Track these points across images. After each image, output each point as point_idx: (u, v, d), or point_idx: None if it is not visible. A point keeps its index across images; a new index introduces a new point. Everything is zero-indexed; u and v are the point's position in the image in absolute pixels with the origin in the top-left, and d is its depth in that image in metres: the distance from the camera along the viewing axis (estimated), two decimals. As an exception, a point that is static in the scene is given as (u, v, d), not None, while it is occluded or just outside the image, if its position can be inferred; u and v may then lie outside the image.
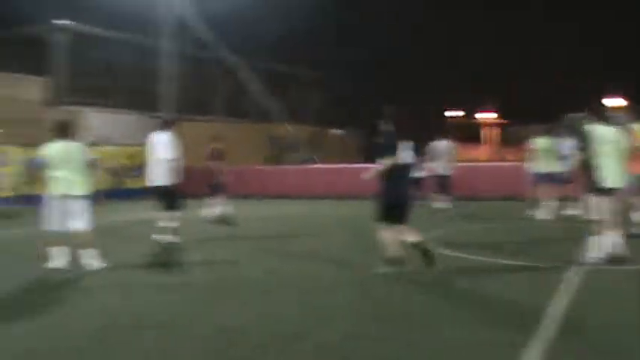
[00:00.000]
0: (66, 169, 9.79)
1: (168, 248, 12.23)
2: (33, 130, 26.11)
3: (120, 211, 21.16)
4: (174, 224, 12.63)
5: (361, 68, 49.28)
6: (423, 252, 9.14)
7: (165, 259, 11.44)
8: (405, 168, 9.12)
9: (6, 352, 5.99)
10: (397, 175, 9.01)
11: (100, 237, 13.93)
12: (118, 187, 27.62)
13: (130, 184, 28.76)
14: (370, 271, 9.29)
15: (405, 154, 9.03)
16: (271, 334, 6.41)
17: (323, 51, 43.25)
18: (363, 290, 8.40)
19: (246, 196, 23.69)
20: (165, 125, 13.15)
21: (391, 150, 8.98)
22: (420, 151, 9.88)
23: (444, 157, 18.13)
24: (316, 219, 18.05)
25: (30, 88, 26.67)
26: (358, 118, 45.96)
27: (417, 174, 17.19)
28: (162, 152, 12.54)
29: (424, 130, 18.52)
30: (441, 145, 18.40)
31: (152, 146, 12.73)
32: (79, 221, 9.96)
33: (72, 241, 10.03)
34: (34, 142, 25.31)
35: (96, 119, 29.15)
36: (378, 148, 9.32)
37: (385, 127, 9.30)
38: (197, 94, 36.41)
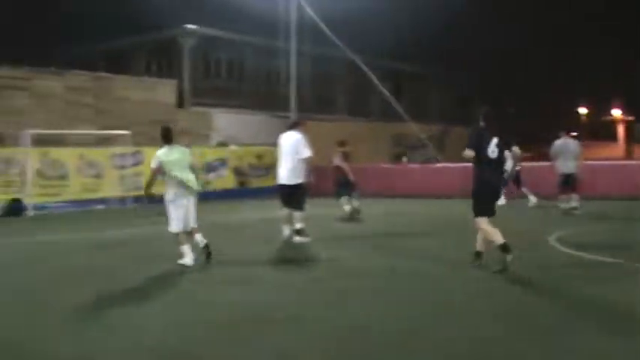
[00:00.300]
0: (177, 171, 10.24)
1: (296, 246, 12.44)
2: (166, 131, 27.21)
3: (247, 209, 21.65)
4: (301, 223, 12.87)
5: (487, 66, 48.55)
6: (500, 245, 9.31)
7: (292, 256, 11.58)
8: (490, 162, 9.51)
9: (141, 345, 6.11)
10: (484, 170, 9.51)
11: (228, 234, 14.71)
12: (245, 187, 28.31)
13: (257, 183, 29.46)
14: (490, 270, 9.19)
15: (491, 149, 9.45)
16: (393, 331, 6.38)
17: (447, 49, 42.92)
18: (482, 289, 8.32)
19: (370, 195, 23.90)
20: (293, 125, 13.28)
21: (471, 145, 9.54)
22: (509, 146, 9.72)
23: (569, 155, 17.71)
24: (438, 218, 17.88)
25: (163, 91, 27.71)
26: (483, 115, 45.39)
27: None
28: (293, 152, 12.73)
29: (552, 129, 18.29)
30: (567, 143, 17.99)
31: (283, 146, 12.87)
32: (193, 219, 10.47)
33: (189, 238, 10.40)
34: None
35: (223, 120, 30.04)
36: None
37: (480, 124, 9.84)
38: (321, 94, 36.89)
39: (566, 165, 17.48)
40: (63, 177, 22.61)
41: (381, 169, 27.77)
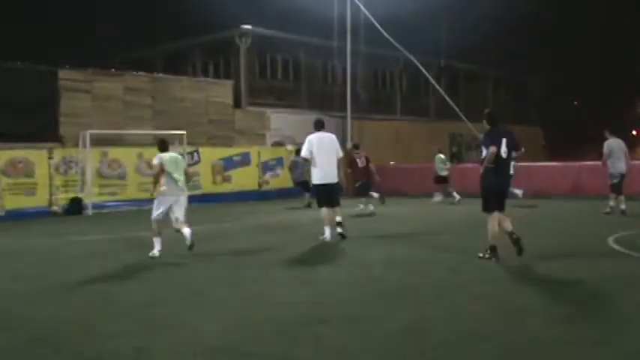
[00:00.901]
0: (174, 172, 11.61)
1: (352, 245, 12.41)
2: (224, 131, 27.54)
3: (302, 209, 21.72)
4: (339, 218, 13.18)
5: (547, 64, 47.85)
6: (515, 241, 10.05)
7: (350, 255, 11.43)
8: (501, 161, 10.09)
9: (201, 344, 6.09)
10: (495, 168, 10.06)
11: (286, 234, 14.95)
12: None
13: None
14: (559, 271, 9.11)
15: (502, 149, 10.04)
16: (455, 332, 6.22)
17: (504, 47, 42.39)
18: (552, 290, 8.12)
19: (426, 194, 23.92)
20: (322, 125, 13.42)
21: (489, 143, 10.07)
22: (519, 147, 10.95)
23: (622, 154, 17.29)
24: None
25: (220, 91, 27.97)
26: (544, 115, 44.81)
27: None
28: (334, 151, 13.05)
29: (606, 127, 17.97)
30: (619, 142, 17.55)
31: (324, 146, 12.99)
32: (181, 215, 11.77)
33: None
34: (225, 143, 27.04)
35: (279, 120, 30.19)
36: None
37: (489, 127, 10.44)
38: (377, 93, 36.80)
39: (620, 165, 17.14)
40: (121, 176, 23.04)
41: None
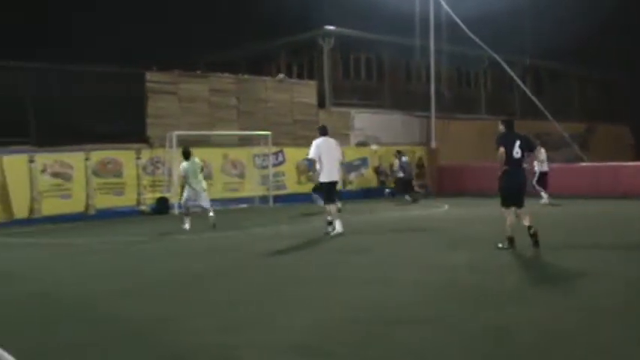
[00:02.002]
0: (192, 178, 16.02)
1: (428, 245, 12.07)
2: (308, 131, 27.15)
3: (387, 209, 21.25)
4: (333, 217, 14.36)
5: (636, 62, 45.85)
6: (532, 235, 11.04)
7: (426, 255, 11.25)
8: (514, 161, 11.11)
9: (281, 342, 6.01)
10: (510, 167, 11.09)
11: (370, 233, 14.70)
12: (387, 185, 27.93)
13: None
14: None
15: (515, 150, 11.07)
16: (541, 334, 5.97)
17: (592, 45, 40.79)
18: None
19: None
20: (327, 131, 15.03)
21: (502, 145, 11.12)
22: (533, 148, 11.84)
23: None
24: (581, 219, 17.03)
25: (304, 92, 27.63)
26: (633, 113, 42.97)
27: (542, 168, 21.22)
28: (338, 156, 14.72)
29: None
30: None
31: (330, 150, 14.53)
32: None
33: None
34: (309, 143, 26.62)
35: (363, 119, 29.66)
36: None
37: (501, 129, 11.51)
38: (460, 92, 35.89)
39: None
40: (207, 177, 22.87)
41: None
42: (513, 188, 11.27)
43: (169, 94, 23.45)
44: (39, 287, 9.22)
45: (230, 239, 14.54)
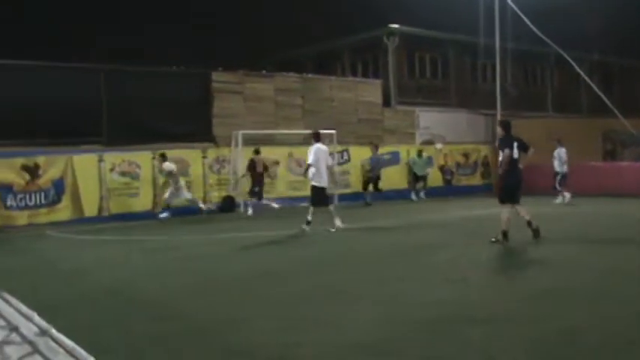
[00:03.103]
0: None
1: (504, 245, 11.82)
2: (373, 130, 26.60)
3: (453, 208, 20.60)
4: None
5: None
6: (532, 229, 12.01)
7: (497, 255, 11.16)
8: (514, 162, 11.92)
9: (346, 340, 5.95)
10: (510, 168, 11.87)
11: (436, 232, 14.48)
12: (452, 185, 27.22)
13: (464, 181, 28.30)
14: None
15: (515, 151, 11.84)
16: (609, 337, 5.79)
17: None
18: None
19: (579, 194, 21.97)
20: (320, 137, 15.38)
21: (504, 147, 11.84)
22: (527, 149, 12.25)
23: None
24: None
25: (369, 90, 27.04)
26: None
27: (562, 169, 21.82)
28: (326, 160, 15.07)
29: None
30: None
31: (325, 155, 15.00)
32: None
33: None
34: (374, 142, 26.08)
35: (428, 118, 28.92)
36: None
37: (501, 132, 12.20)
38: (527, 90, 34.68)
39: None
40: (272, 175, 22.61)
41: (590, 168, 25.36)
42: (514, 186, 12.05)
43: (235, 93, 23.20)
44: (109, 284, 9.27)
45: (294, 238, 14.30)
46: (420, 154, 25.60)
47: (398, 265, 10.26)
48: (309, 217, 14.69)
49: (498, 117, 29.05)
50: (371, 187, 23.63)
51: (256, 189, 20.23)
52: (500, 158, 12.02)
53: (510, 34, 28.66)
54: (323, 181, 14.92)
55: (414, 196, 24.69)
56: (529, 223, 12.09)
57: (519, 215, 12.01)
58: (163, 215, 18.82)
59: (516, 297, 7.61)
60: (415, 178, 25.30)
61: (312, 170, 14.82)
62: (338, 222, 14.96)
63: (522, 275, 9.10)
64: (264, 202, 20.52)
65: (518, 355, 5.37)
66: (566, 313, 6.71)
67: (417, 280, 8.82)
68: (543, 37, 26.94)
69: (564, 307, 6.99)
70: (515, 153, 11.89)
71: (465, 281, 8.67)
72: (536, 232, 12.05)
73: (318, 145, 14.99)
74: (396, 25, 28.64)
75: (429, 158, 26.45)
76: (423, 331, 6.21)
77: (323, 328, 6.43)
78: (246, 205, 20.59)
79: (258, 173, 20.24)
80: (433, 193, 25.44)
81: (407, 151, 26.50)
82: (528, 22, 26.61)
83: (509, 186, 12.00)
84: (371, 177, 23.67)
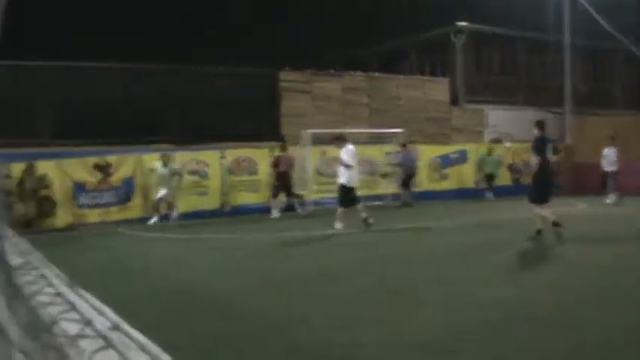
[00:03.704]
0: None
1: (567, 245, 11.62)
2: (440, 129, 25.88)
3: (521, 207, 19.71)
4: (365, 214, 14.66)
5: None
6: (555, 228, 11.74)
7: (561, 255, 10.88)
8: (548, 162, 12.09)
9: (409, 340, 5.80)
10: (545, 168, 11.91)
11: (498, 231, 14.16)
12: (520, 183, 26.23)
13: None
14: None
15: (548, 152, 12.06)
16: None
17: None
18: None
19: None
20: (344, 139, 15.28)
21: (538, 152, 11.89)
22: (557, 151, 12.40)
23: None
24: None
25: (436, 89, 26.31)
26: None
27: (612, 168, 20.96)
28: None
29: None
30: None
31: (355, 156, 15.00)
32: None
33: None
34: (442, 140, 25.39)
35: (496, 116, 27.99)
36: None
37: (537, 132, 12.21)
38: (597, 87, 33.32)
39: None
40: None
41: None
42: (548, 186, 12.21)
43: (303, 92, 22.89)
44: (176, 282, 9.25)
45: (359, 236, 13.99)
46: (490, 152, 24.69)
47: (458, 264, 10.04)
48: (338, 223, 14.76)
49: (567, 114, 28.02)
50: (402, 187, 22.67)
51: (280, 186, 19.71)
52: (535, 160, 11.96)
53: (579, 30, 27.60)
54: (353, 182, 14.89)
55: (488, 195, 23.73)
56: (554, 224, 11.88)
57: (541, 215, 12.07)
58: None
59: (576, 297, 7.43)
60: (487, 177, 24.38)
61: (344, 170, 14.73)
62: (367, 219, 14.71)
63: (593, 275, 8.86)
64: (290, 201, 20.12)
65: (581, 357, 5.26)
66: (627, 315, 6.49)
67: (478, 280, 8.60)
68: (613, 32, 25.85)
69: (625, 308, 6.81)
70: (549, 153, 12.09)
71: (525, 281, 8.52)
72: (557, 231, 11.83)
73: (351, 146, 14.93)
74: (463, 23, 27.89)
75: (499, 157, 25.50)
76: (483, 330, 6.05)
77: (383, 328, 6.29)
78: (300, 205, 20.12)
79: (281, 171, 19.65)
80: (502, 193, 24.51)
81: (475, 150, 25.61)
82: (598, 18, 25.59)
83: (546, 185, 12.07)
84: (408, 175, 22.67)
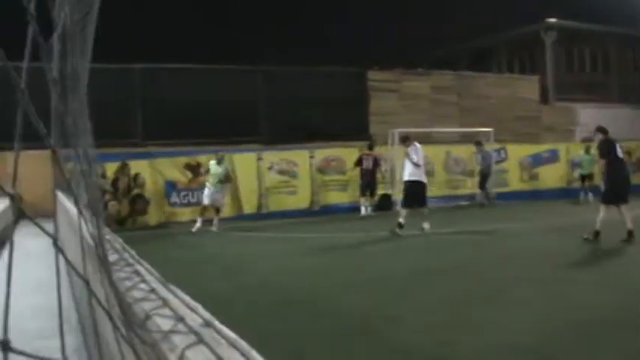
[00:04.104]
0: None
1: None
2: (530, 127, 24.94)
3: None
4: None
5: None
6: (628, 232, 11.21)
7: None
8: (620, 161, 11.53)
9: (501, 344, 5.52)
10: (617, 167, 11.45)
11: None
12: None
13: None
14: None
15: (619, 151, 11.46)
16: None
17: None
18: None
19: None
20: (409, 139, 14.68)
21: (604, 155, 11.49)
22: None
23: None
24: None
25: (526, 87, 25.38)
26: None
27: None
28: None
29: None
30: None
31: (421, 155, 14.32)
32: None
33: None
34: (532, 139, 24.44)
35: (588, 115, 26.78)
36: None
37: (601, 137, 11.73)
38: None
39: None
40: (428, 174, 21.57)
41: None
42: (621, 187, 11.64)
43: (391, 92, 22.42)
44: (266, 280, 9.17)
45: (444, 237, 13.64)
46: (587, 150, 23.50)
47: (552, 265, 9.52)
48: (426, 224, 14.08)
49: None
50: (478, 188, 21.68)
51: (364, 184, 19.32)
52: (603, 165, 11.64)
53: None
54: (423, 180, 14.34)
55: (583, 196, 22.60)
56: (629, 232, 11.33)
57: (623, 216, 11.46)
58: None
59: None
60: (584, 177, 23.18)
61: (414, 169, 14.08)
62: (401, 224, 13.87)
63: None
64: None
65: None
66: None
67: (574, 282, 8.19)
68: None
69: None
70: (620, 152, 11.58)
71: (624, 284, 8.05)
72: (629, 233, 11.33)
73: (418, 145, 14.43)
74: (553, 20, 26.84)
75: (594, 156, 24.34)
76: (581, 334, 5.79)
77: (479, 329, 6.06)
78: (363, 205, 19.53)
79: (364, 169, 19.21)
80: (598, 192, 23.38)
81: (566, 149, 24.54)
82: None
83: (615, 186, 11.55)
84: (484, 175, 21.71)
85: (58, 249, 1.25)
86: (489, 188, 21.62)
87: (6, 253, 9.48)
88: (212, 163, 16.27)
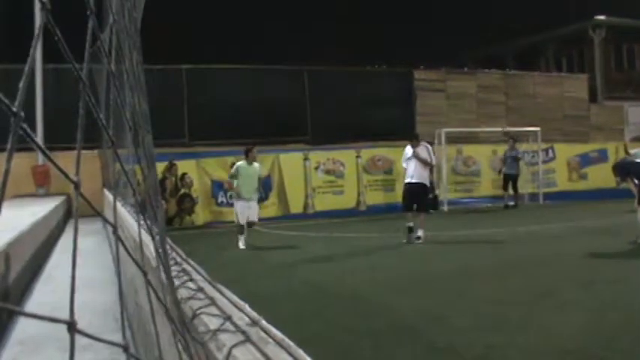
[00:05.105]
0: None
1: None
2: (579, 126, 23.96)
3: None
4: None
5: None
6: None
7: None
8: None
9: (550, 346, 5.30)
10: None
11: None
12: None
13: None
14: None
15: None
16: None
17: None
18: None
19: None
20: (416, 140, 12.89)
21: None
22: None
23: None
24: None
25: (574, 86, 24.42)
26: None
27: None
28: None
29: None
30: None
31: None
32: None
33: None
34: (580, 139, 23.41)
35: (638, 114, 25.68)
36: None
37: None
38: None
39: None
40: (475, 173, 20.86)
41: None
42: None
43: (437, 91, 21.89)
44: (313, 279, 9.07)
45: (490, 237, 13.20)
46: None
47: (605, 267, 9.19)
48: (420, 231, 12.59)
49: None
50: (510, 189, 20.19)
51: None
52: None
53: None
54: (425, 182, 13.03)
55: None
56: None
57: None
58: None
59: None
60: None
61: (414, 170, 12.53)
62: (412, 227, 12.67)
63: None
64: None
65: None
66: None
67: (626, 284, 7.87)
68: None
69: None
70: None
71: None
72: None
73: (429, 145, 13.18)
74: (602, 17, 25.79)
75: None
76: (632, 339, 5.50)
77: (527, 331, 5.85)
78: None
79: None
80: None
81: (615, 149, 23.43)
82: None
83: None
84: (508, 175, 20.27)
85: (118, 238, 1.24)
86: (519, 189, 20.50)
87: (57, 251, 9.21)
88: (241, 164, 12.74)
